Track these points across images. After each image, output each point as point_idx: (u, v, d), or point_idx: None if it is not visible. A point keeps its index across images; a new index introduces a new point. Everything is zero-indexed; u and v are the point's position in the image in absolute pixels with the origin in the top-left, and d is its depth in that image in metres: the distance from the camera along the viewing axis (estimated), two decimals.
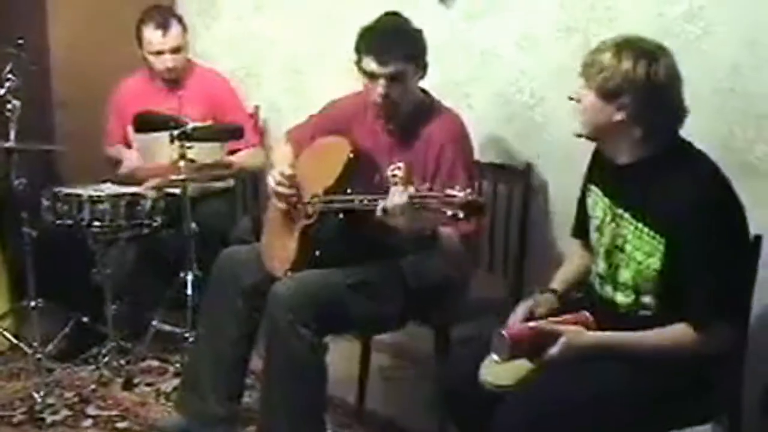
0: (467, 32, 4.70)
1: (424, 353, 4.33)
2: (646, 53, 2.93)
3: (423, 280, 3.79)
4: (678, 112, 3.01)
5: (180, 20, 5.28)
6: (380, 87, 3.75)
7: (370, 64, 3.74)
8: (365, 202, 3.51)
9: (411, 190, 3.30)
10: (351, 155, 3.79)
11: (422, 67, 3.86)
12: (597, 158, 3.30)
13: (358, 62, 3.80)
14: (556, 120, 4.26)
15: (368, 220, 3.48)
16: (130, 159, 5.23)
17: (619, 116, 2.96)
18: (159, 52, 5.19)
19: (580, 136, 3.13)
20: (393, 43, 3.73)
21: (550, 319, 3.05)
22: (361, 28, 3.82)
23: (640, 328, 2.96)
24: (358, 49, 3.79)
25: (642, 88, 2.91)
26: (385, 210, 3.38)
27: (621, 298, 3.09)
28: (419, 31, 3.84)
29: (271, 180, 3.94)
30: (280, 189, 3.89)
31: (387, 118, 3.90)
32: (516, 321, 3.17)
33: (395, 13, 3.86)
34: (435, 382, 3.81)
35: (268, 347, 3.71)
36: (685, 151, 3.02)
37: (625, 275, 3.06)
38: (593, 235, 3.25)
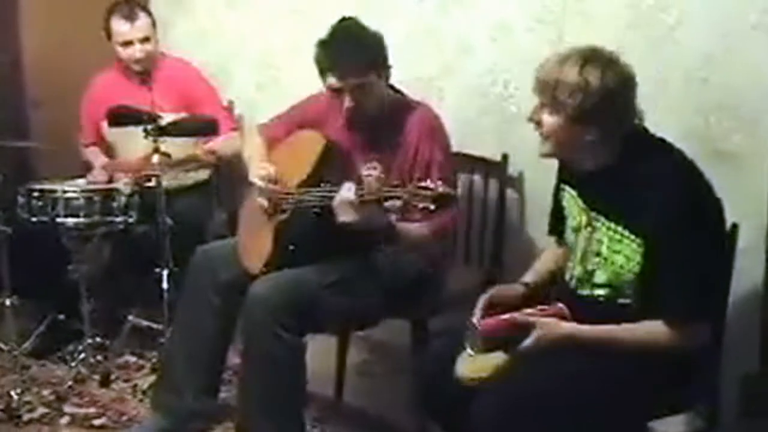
0: (440, 24, 4.70)
1: (401, 347, 4.32)
2: (609, 62, 2.88)
3: (399, 274, 3.79)
4: (636, 115, 2.99)
5: (147, 11, 5.28)
6: (346, 101, 3.75)
7: (331, 80, 3.73)
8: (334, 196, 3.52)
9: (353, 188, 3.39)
10: (325, 147, 3.79)
11: (385, 71, 3.83)
12: (568, 161, 3.27)
13: (321, 76, 3.78)
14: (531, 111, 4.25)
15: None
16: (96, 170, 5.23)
17: (590, 136, 2.92)
18: (128, 43, 5.17)
19: (545, 156, 3.09)
20: (350, 55, 3.70)
21: (526, 310, 3.03)
22: (318, 41, 3.78)
23: (617, 319, 2.95)
24: (318, 64, 3.77)
25: (614, 101, 2.87)
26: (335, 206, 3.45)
27: (599, 293, 3.08)
28: (376, 36, 3.80)
29: (255, 178, 3.92)
30: (265, 185, 3.87)
31: (358, 124, 3.89)
32: (481, 312, 3.15)
33: (350, 20, 3.82)
34: (412, 376, 3.81)
35: (246, 348, 3.72)
36: (655, 147, 2.99)
37: (602, 277, 3.05)
38: (570, 236, 3.23)
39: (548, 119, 2.97)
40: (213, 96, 5.43)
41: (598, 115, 2.87)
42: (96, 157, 5.40)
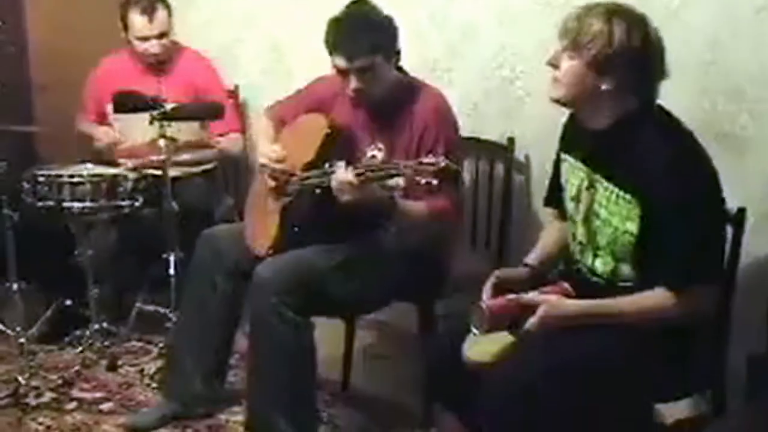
0: (447, 7, 4.70)
1: (408, 330, 4.33)
2: (637, 20, 2.90)
3: (405, 256, 3.78)
4: (662, 75, 2.99)
5: (165, 4, 5.22)
6: (352, 82, 3.73)
7: (338, 61, 3.71)
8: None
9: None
10: (329, 131, 3.79)
11: (393, 54, 3.82)
12: (570, 126, 3.29)
13: (330, 55, 3.77)
14: (537, 94, 4.25)
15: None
16: (101, 136, 5.19)
17: (606, 86, 2.92)
18: (145, 38, 5.15)
19: (556, 101, 3.07)
20: (359, 37, 3.68)
21: (530, 292, 3.03)
22: (328, 20, 3.77)
23: (620, 292, 2.97)
24: (327, 44, 3.75)
25: (636, 58, 2.88)
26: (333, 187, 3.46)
27: (600, 265, 3.09)
28: (387, 18, 3.79)
29: (264, 158, 3.92)
30: (274, 165, 3.87)
31: (364, 106, 3.88)
32: (488, 294, 3.15)
33: (362, 2, 3.80)
34: (419, 359, 3.81)
35: (254, 331, 3.72)
36: (655, 114, 3.00)
37: (602, 241, 3.06)
38: (569, 205, 3.23)
39: (566, 63, 2.97)
40: (221, 90, 5.41)
41: (615, 67, 2.89)
42: (96, 127, 5.30)
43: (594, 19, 2.89)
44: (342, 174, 3.42)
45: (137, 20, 5.12)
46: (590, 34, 2.88)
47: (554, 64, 3.01)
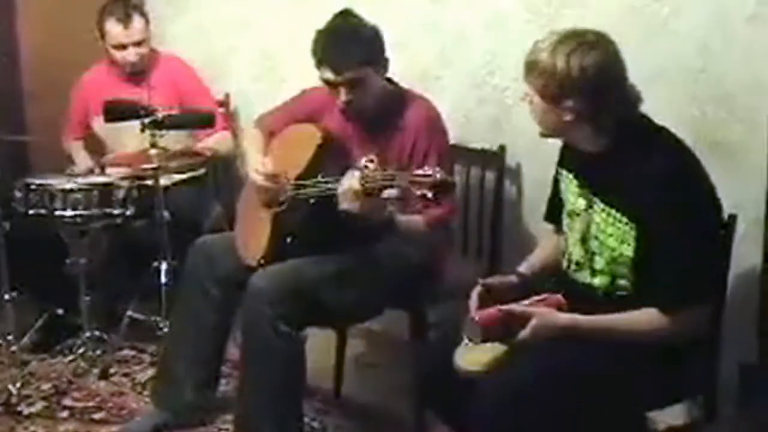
0: (437, 15, 4.69)
1: (399, 338, 4.33)
2: (579, 48, 2.88)
3: (397, 265, 3.79)
4: (626, 100, 2.98)
5: (142, 12, 5.23)
6: (341, 95, 3.74)
7: (327, 74, 3.72)
8: (333, 187, 3.52)
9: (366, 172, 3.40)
10: (321, 141, 3.78)
11: (382, 65, 3.83)
12: (566, 146, 3.29)
13: (317, 68, 3.77)
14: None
15: (336, 206, 3.48)
16: (80, 163, 5.28)
17: (567, 117, 2.94)
18: (122, 46, 5.16)
19: (543, 136, 3.12)
20: (347, 50, 3.69)
21: (523, 301, 3.03)
22: (315, 32, 3.77)
23: (615, 310, 2.96)
24: (315, 56, 3.76)
25: (582, 85, 2.88)
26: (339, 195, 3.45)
27: (597, 282, 3.08)
28: (374, 30, 3.80)
29: (255, 174, 3.92)
30: (263, 183, 3.87)
31: (354, 118, 3.88)
32: (475, 304, 3.15)
33: (348, 13, 3.81)
34: (411, 368, 3.81)
35: (246, 341, 3.71)
36: (649, 133, 3.01)
37: (600, 262, 3.05)
38: (566, 220, 3.24)
39: (532, 100, 3.02)
40: (206, 93, 5.41)
41: (567, 98, 2.91)
42: (77, 151, 5.42)
43: (540, 53, 2.93)
44: (351, 182, 3.40)
45: (113, 28, 5.13)
46: (538, 70, 2.93)
47: (528, 99, 3.05)
